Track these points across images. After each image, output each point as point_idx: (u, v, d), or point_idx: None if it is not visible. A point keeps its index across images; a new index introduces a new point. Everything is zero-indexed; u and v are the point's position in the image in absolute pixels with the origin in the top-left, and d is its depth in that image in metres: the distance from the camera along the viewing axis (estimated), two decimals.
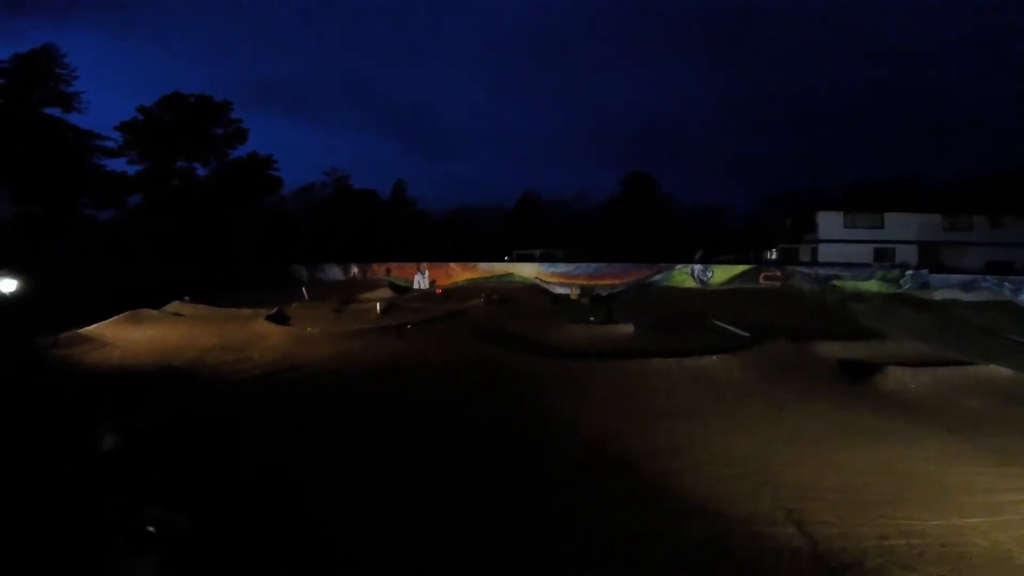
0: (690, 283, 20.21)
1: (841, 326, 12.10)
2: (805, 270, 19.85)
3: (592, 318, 12.67)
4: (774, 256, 31.74)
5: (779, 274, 19.60)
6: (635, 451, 4.62)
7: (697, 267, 20.74)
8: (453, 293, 18.49)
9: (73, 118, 32.92)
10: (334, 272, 24.49)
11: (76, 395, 5.63)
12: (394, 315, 13.20)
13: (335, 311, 13.95)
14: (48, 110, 32.21)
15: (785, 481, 4.04)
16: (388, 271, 23.41)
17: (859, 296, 17.28)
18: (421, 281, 21.73)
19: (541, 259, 26.46)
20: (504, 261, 25.35)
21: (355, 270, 24.22)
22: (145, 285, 16.13)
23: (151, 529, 0.70)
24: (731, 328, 11.40)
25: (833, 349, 8.74)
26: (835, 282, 18.76)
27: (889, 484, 4.02)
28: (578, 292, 18.98)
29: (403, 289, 20.90)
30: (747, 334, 10.46)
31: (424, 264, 22.65)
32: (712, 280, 20.05)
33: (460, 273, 22.61)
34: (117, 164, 34.92)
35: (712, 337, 10.48)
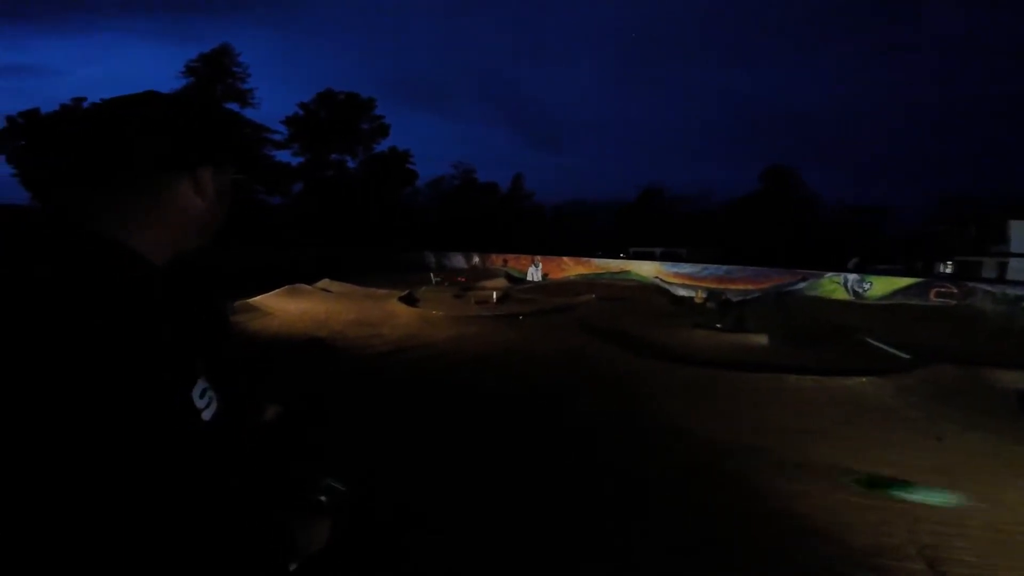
0: (841, 294, 18.01)
1: None
2: (989, 287, 16.60)
3: (719, 324, 11.85)
4: (949, 270, 27.08)
5: (955, 290, 16.62)
6: (756, 467, 4.30)
7: (851, 276, 18.37)
8: (565, 288, 18.52)
9: (248, 113, 38.38)
10: (458, 260, 25.94)
11: (248, 358, 6.68)
12: (509, 304, 13.67)
13: (456, 296, 14.82)
14: (228, 105, 37.89)
15: (926, 515, 3.52)
16: (505, 262, 24.19)
17: None
18: (535, 273, 22.12)
19: (662, 258, 25.38)
20: (619, 258, 24.74)
21: (476, 259, 25.42)
22: (302, 262, 18.50)
23: (323, 499, 0.85)
24: (887, 348, 9.97)
25: (1013, 378, 7.29)
26: None
27: None
28: (704, 295, 17.84)
29: (518, 280, 21.43)
30: (907, 356, 9.08)
31: (538, 257, 23.00)
32: (869, 293, 17.62)
33: (573, 267, 22.58)
34: (283, 155, 39.93)
35: (863, 357, 9.27)
